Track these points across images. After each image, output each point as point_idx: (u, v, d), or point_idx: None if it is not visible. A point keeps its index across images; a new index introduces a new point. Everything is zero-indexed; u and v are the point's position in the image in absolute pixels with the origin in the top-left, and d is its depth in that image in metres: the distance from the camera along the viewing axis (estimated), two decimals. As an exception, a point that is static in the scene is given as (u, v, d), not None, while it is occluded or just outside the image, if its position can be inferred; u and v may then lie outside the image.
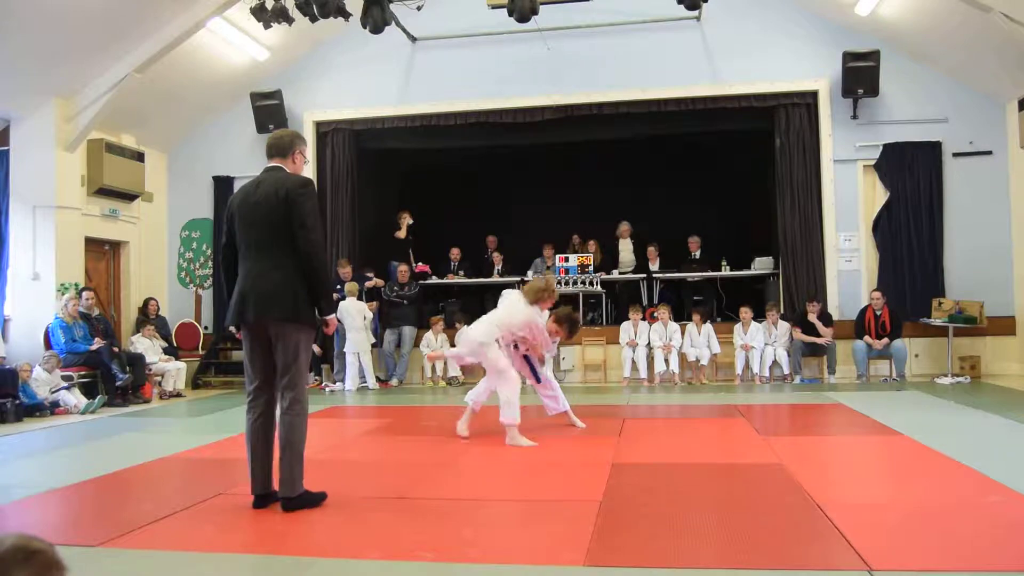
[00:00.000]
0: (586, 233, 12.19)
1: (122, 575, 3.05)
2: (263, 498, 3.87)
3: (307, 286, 3.82)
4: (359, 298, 10.29)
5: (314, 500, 3.86)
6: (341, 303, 9.93)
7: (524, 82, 10.75)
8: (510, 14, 8.70)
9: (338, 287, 10.05)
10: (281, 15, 8.82)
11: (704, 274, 11.41)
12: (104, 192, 10.27)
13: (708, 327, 10.08)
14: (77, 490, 4.51)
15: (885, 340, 9.52)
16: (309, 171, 11.46)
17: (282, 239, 3.82)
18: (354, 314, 9.92)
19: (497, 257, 12.18)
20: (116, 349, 9.17)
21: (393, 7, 9.26)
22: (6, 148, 9.56)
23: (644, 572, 2.91)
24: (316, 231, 3.86)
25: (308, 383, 4.26)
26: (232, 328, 4.02)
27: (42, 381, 8.22)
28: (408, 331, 10.57)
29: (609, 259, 11.83)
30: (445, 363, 10.42)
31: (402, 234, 11.50)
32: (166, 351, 10.19)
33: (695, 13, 9.60)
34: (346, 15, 8.84)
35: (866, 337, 9.59)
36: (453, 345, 10.62)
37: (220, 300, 11.47)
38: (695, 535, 3.34)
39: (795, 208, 10.37)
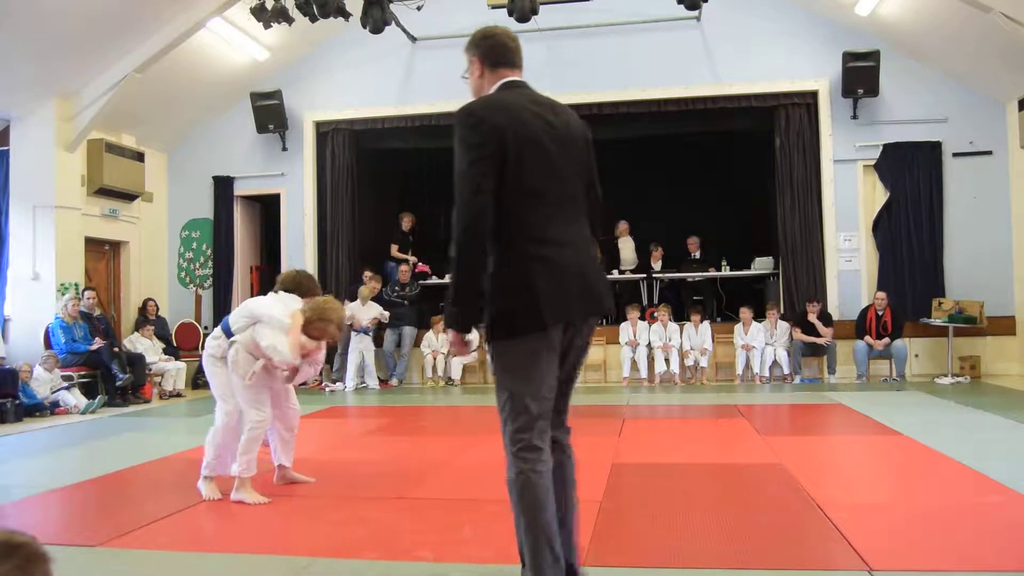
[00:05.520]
0: (586, 233, 12.17)
1: (122, 575, 3.05)
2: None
3: None
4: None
5: None
6: (352, 304, 10.14)
7: (524, 82, 10.72)
8: (510, 14, 8.71)
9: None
10: (281, 15, 8.82)
11: (704, 274, 11.41)
12: (104, 192, 10.26)
13: (705, 325, 10.09)
14: (77, 490, 4.51)
15: (886, 340, 9.52)
16: (309, 171, 11.48)
17: (582, 198, 2.63)
18: (368, 316, 10.15)
19: (497, 257, 12.15)
20: (116, 349, 9.17)
21: (393, 7, 9.26)
22: (6, 148, 9.56)
23: (644, 572, 2.91)
24: None
25: None
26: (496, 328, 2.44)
27: (42, 381, 8.22)
28: (408, 331, 10.58)
29: (609, 259, 11.82)
30: (447, 362, 10.44)
31: (398, 253, 11.52)
32: (166, 351, 10.19)
33: (695, 13, 9.60)
34: (346, 15, 8.85)
35: (867, 337, 9.58)
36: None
37: (220, 299, 11.47)
38: (695, 535, 3.34)
39: (795, 208, 10.37)
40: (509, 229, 2.41)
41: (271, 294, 4.45)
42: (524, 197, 2.43)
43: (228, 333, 4.37)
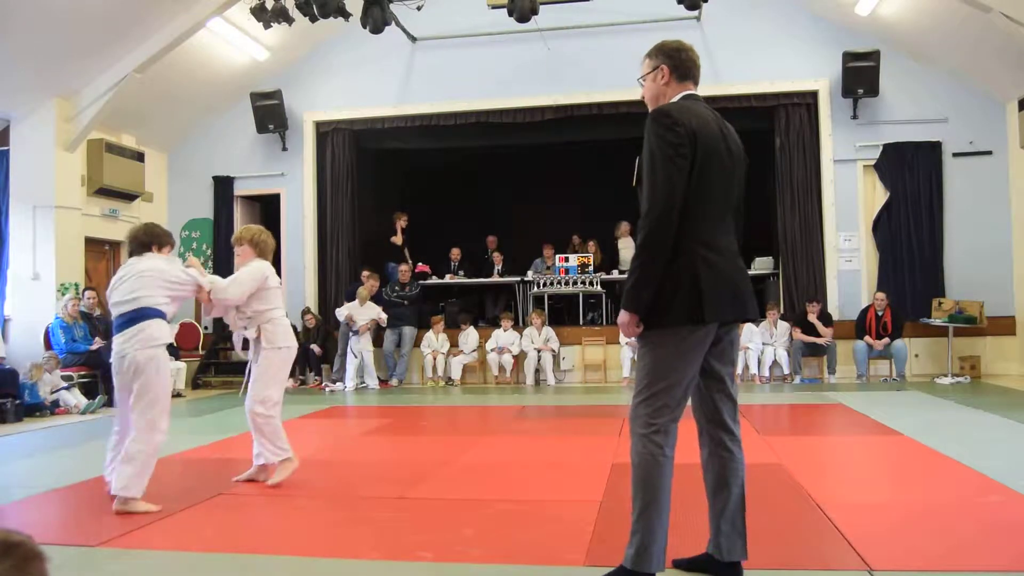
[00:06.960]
0: (586, 233, 12.19)
1: (122, 575, 3.05)
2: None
3: None
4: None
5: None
6: (351, 304, 10.15)
7: (524, 82, 10.74)
8: (510, 14, 8.71)
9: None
10: (281, 15, 8.83)
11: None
12: (104, 192, 10.27)
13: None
14: (77, 490, 4.50)
15: (885, 340, 9.52)
16: (308, 171, 11.48)
17: (735, 211, 2.83)
18: (366, 317, 10.15)
19: (497, 257, 12.18)
20: (116, 349, 9.16)
21: (393, 7, 9.26)
22: (6, 148, 9.56)
23: (644, 572, 2.90)
24: None
25: None
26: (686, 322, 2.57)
27: (42, 381, 8.22)
28: (408, 331, 10.58)
29: (609, 259, 11.83)
30: (447, 362, 10.43)
31: (398, 240, 11.56)
32: (166, 351, 10.18)
33: (695, 13, 9.60)
34: (346, 15, 8.85)
35: (866, 337, 9.58)
36: (455, 345, 10.69)
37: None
38: (695, 535, 3.33)
39: (795, 208, 10.37)
40: (682, 227, 2.57)
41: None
42: (700, 200, 2.60)
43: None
